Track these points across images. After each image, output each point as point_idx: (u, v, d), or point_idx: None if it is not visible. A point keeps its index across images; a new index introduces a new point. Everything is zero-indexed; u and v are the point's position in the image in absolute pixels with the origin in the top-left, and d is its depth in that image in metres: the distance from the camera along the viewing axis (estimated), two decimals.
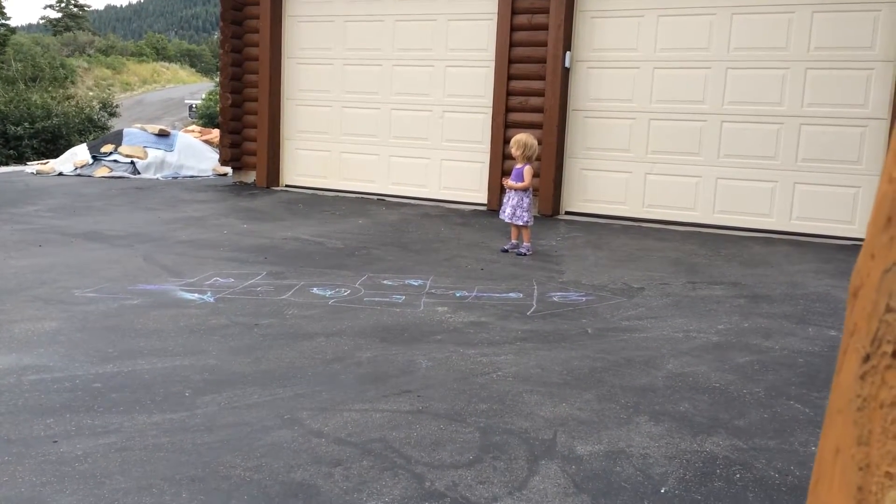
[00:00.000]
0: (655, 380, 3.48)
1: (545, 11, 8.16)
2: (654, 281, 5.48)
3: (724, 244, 7.04)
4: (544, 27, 8.18)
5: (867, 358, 0.54)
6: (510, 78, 8.42)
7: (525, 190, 6.26)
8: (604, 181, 8.30)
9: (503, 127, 8.47)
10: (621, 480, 2.51)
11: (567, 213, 8.47)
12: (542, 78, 8.25)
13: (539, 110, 8.30)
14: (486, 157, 8.66)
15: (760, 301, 4.98)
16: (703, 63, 7.78)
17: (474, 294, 4.99)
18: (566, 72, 8.23)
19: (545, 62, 8.20)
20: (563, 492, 2.43)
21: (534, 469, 2.57)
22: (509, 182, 6.35)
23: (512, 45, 8.37)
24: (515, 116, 8.45)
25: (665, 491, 2.46)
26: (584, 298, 4.95)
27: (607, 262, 6.18)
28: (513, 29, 8.34)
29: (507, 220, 6.37)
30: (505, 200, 6.39)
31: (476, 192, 8.81)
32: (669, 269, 5.95)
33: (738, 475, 2.58)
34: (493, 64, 8.53)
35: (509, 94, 8.45)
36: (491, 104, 8.58)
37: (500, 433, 2.85)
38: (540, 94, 8.28)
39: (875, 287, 0.53)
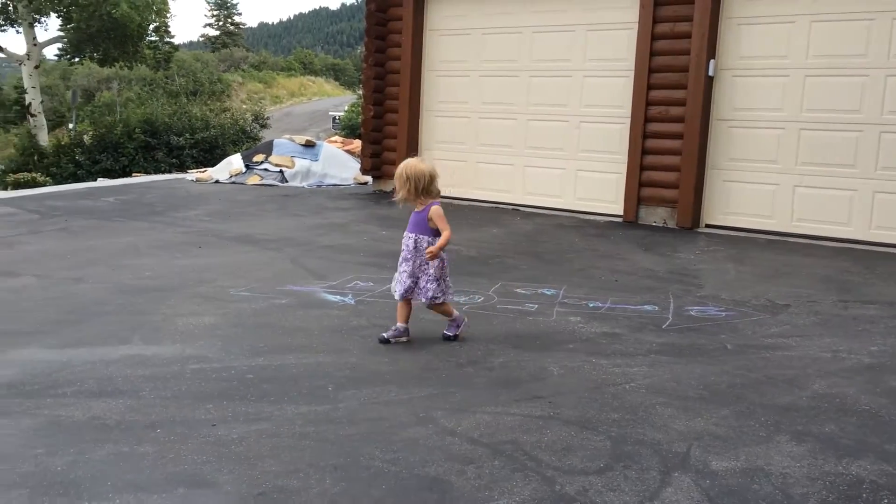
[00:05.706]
0: (799, 399, 3.34)
1: (688, 19, 7.97)
2: (800, 298, 5.23)
3: (880, 262, 6.60)
4: (687, 35, 7.99)
5: None
6: (650, 88, 8.28)
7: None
8: (748, 193, 7.98)
9: (642, 137, 8.33)
10: (759, 498, 2.44)
11: (707, 225, 8.21)
12: (683, 87, 8.06)
13: (680, 120, 8.11)
14: (623, 168, 8.54)
15: None
16: (860, 70, 7.34)
17: (608, 305, 4.95)
18: (710, 80, 8.00)
19: (687, 71, 8.01)
20: None
21: (666, 480, 2.55)
22: (431, 249, 3.85)
23: (652, 54, 8.22)
24: (655, 126, 8.29)
25: None
26: (723, 314, 4.81)
27: (750, 277, 5.95)
28: (654, 38, 8.20)
29: (398, 298, 4.00)
30: (403, 267, 3.96)
31: (612, 203, 8.70)
32: (818, 286, 5.66)
33: (885, 500, 2.45)
34: (632, 74, 8.41)
35: (648, 104, 8.30)
36: (629, 114, 8.46)
37: (631, 443, 2.84)
38: (681, 103, 8.09)
39: None
